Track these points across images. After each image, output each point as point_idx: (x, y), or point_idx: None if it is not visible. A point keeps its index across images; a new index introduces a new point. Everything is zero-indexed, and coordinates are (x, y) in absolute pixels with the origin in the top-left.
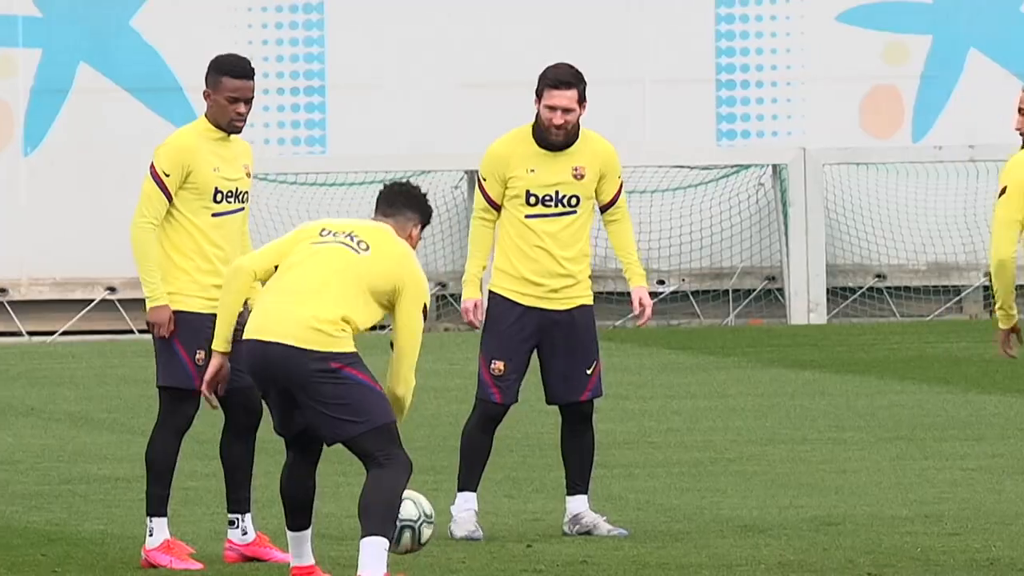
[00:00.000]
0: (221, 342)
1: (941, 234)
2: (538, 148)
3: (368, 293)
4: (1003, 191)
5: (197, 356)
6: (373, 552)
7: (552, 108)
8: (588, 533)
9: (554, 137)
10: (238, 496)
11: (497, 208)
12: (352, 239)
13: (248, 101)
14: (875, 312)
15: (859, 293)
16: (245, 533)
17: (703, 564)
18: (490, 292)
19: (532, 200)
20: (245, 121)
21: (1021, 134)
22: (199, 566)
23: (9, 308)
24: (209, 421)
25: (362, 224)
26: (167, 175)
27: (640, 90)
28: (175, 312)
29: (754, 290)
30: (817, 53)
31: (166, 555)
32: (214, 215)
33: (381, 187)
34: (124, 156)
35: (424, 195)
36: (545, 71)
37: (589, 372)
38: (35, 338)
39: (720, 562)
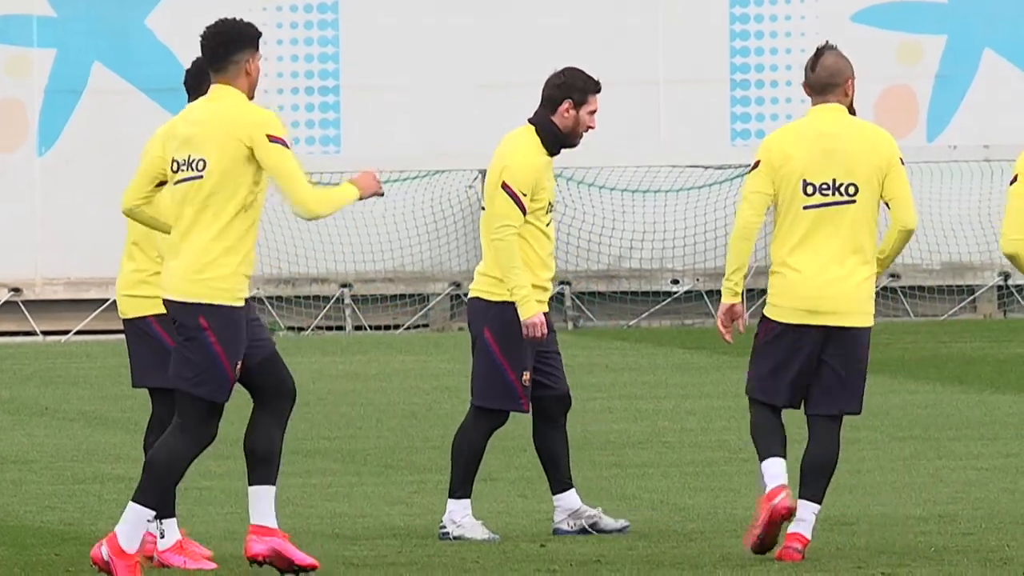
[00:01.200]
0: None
1: (955, 234)
2: (547, 157)
3: (229, 202)
4: (1014, 179)
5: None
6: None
7: (593, 112)
8: (594, 525)
9: (578, 142)
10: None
11: (524, 210)
12: (191, 164)
13: None
14: (889, 311)
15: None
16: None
17: (717, 563)
18: (511, 304)
19: (548, 208)
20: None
21: None
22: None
23: (23, 308)
24: (224, 419)
25: (193, 124)
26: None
27: (655, 90)
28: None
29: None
30: None
31: (179, 556)
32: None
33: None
34: (138, 156)
35: (230, 22)
36: (580, 76)
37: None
38: (49, 338)
39: (734, 562)
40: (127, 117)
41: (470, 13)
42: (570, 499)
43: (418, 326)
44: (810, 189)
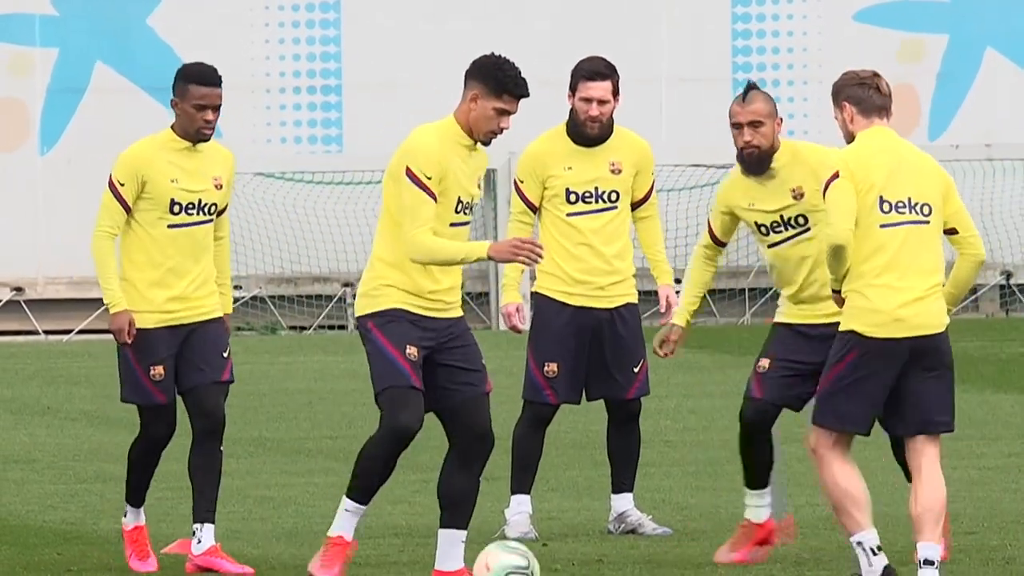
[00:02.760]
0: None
1: None
2: (574, 145)
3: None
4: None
5: (152, 372)
6: None
7: (588, 100)
8: (633, 531)
9: (590, 130)
10: (196, 505)
11: (534, 210)
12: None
13: (216, 108)
14: None
15: None
16: (200, 542)
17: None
18: (537, 294)
19: (572, 198)
20: (213, 129)
21: None
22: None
23: (25, 307)
24: (227, 419)
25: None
26: (122, 184)
27: (657, 89)
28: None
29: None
30: (833, 52)
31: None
32: (170, 226)
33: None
34: None
35: (488, 63)
36: (579, 64)
37: (636, 370)
38: (51, 337)
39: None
40: (129, 116)
41: (471, 13)
42: (617, 502)
43: None
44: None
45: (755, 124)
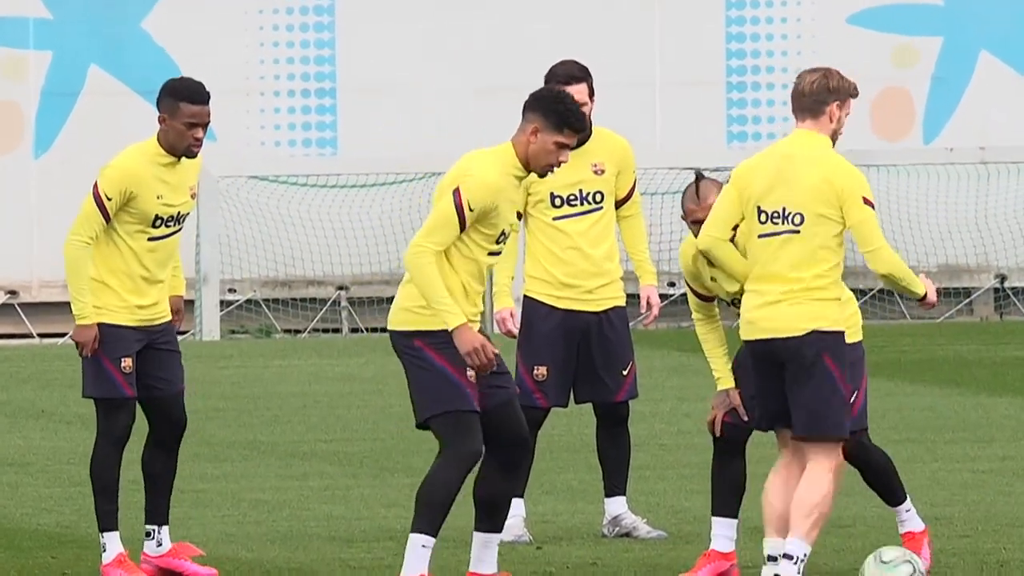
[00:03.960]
0: (455, 319)
1: (952, 236)
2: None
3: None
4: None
5: (123, 364)
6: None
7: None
8: (628, 535)
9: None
10: (157, 507)
11: (518, 216)
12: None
13: (205, 126)
14: (885, 314)
15: (869, 295)
16: (160, 544)
17: None
18: (525, 298)
19: (557, 202)
20: (201, 146)
21: None
22: None
23: (20, 310)
24: (222, 422)
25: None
26: (108, 199)
27: (651, 92)
28: (99, 324)
29: None
30: (827, 55)
31: (118, 569)
32: (150, 239)
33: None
34: None
35: (550, 96)
36: (553, 69)
37: (624, 373)
38: (46, 340)
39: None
40: (123, 119)
41: (466, 16)
42: (610, 505)
43: None
44: None
45: None
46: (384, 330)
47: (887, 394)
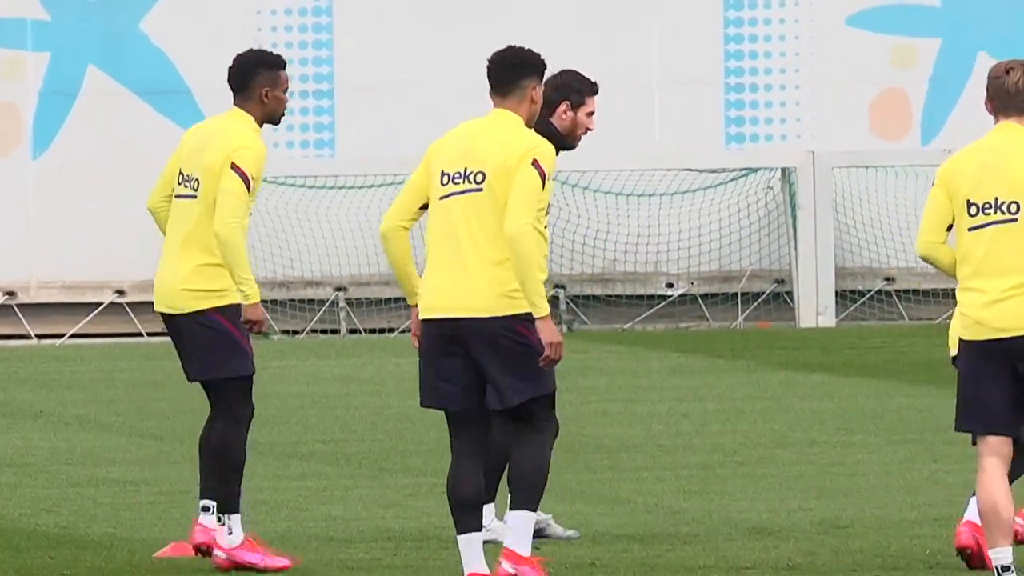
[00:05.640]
0: (408, 297)
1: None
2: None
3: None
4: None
5: (251, 338)
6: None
7: (590, 114)
8: (540, 532)
9: (576, 144)
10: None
11: None
12: (466, 176)
13: None
14: (884, 315)
15: (868, 296)
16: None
17: (712, 567)
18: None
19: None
20: None
21: None
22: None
23: (18, 311)
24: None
25: (474, 139)
26: (255, 179)
27: (648, 93)
28: (229, 306)
29: (763, 293)
30: (825, 56)
31: (253, 553)
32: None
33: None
34: (133, 159)
35: (523, 51)
36: (576, 78)
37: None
38: (44, 341)
39: (729, 565)
40: (122, 120)
41: (464, 16)
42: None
43: None
44: None
45: None
46: (383, 331)
47: (885, 395)
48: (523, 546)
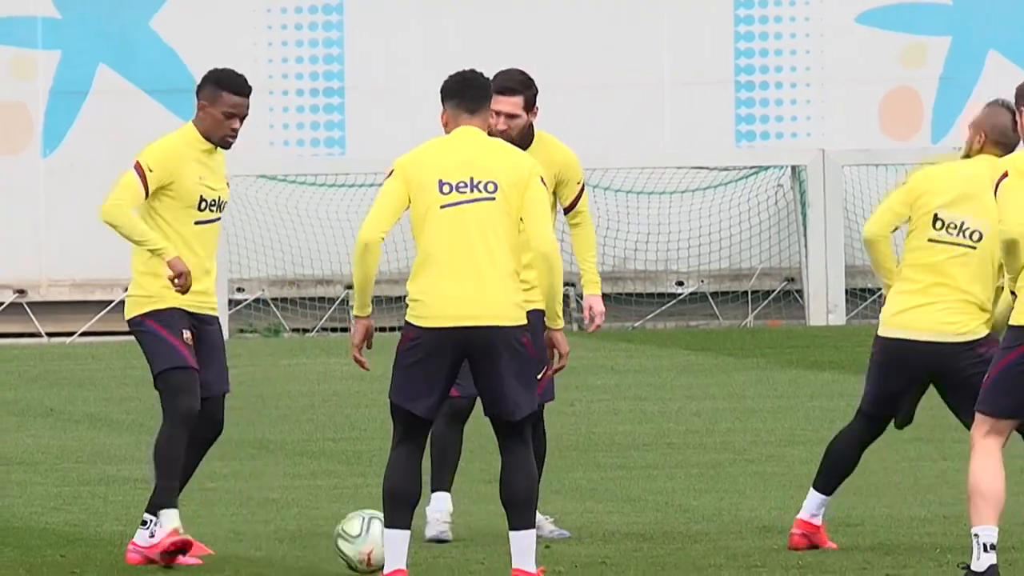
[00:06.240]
0: (361, 308)
1: None
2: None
3: (515, 231)
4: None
5: (185, 336)
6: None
7: (497, 113)
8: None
9: None
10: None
11: None
12: (475, 185)
13: (243, 118)
14: None
15: (878, 294)
16: (152, 536)
17: (722, 565)
18: None
19: None
20: (236, 138)
21: None
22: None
23: (28, 309)
24: (230, 421)
25: (474, 152)
26: (151, 171)
27: (659, 92)
28: (152, 312)
29: (773, 291)
30: (836, 55)
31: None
32: (196, 223)
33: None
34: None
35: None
36: (493, 76)
37: (539, 376)
38: (54, 339)
39: (739, 563)
40: (132, 119)
41: (474, 16)
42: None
43: None
44: None
45: None
46: (393, 329)
47: None
48: (530, 563)
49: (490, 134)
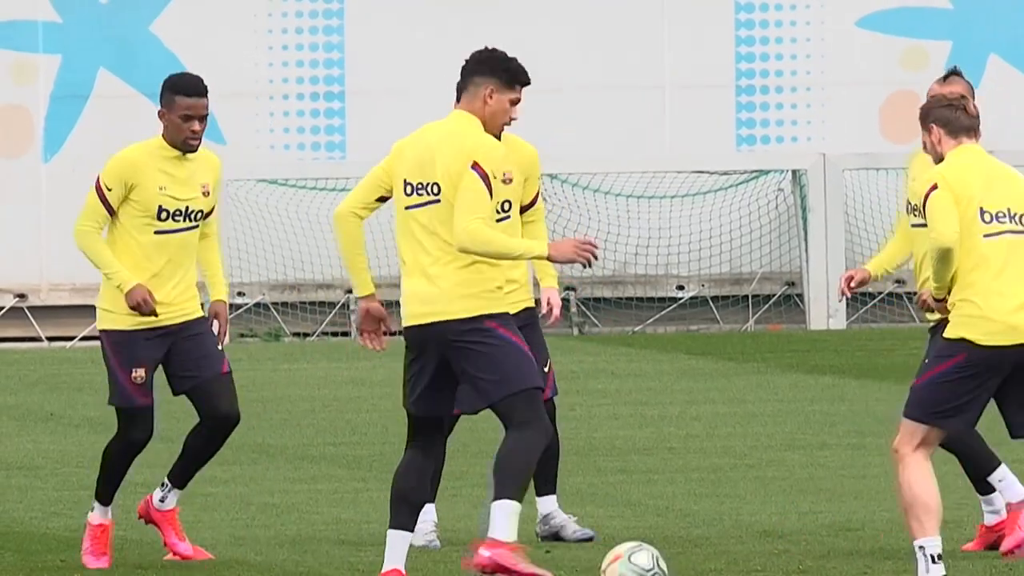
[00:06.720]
0: (362, 289)
1: None
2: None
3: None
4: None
5: (134, 374)
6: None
7: (515, 102)
8: (556, 534)
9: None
10: (182, 471)
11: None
12: (427, 189)
13: (202, 119)
14: (894, 317)
15: (878, 298)
16: (163, 500)
17: (722, 570)
18: None
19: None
20: (200, 139)
21: None
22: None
23: (29, 313)
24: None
25: (430, 147)
26: (109, 189)
27: (660, 96)
28: (112, 331)
29: (773, 295)
30: (836, 59)
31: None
32: (156, 232)
33: None
34: None
35: (493, 53)
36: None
37: (545, 371)
38: (54, 343)
39: (739, 568)
40: (132, 123)
41: (475, 19)
42: (542, 505)
43: None
44: None
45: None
46: (394, 334)
47: (896, 397)
48: (502, 532)
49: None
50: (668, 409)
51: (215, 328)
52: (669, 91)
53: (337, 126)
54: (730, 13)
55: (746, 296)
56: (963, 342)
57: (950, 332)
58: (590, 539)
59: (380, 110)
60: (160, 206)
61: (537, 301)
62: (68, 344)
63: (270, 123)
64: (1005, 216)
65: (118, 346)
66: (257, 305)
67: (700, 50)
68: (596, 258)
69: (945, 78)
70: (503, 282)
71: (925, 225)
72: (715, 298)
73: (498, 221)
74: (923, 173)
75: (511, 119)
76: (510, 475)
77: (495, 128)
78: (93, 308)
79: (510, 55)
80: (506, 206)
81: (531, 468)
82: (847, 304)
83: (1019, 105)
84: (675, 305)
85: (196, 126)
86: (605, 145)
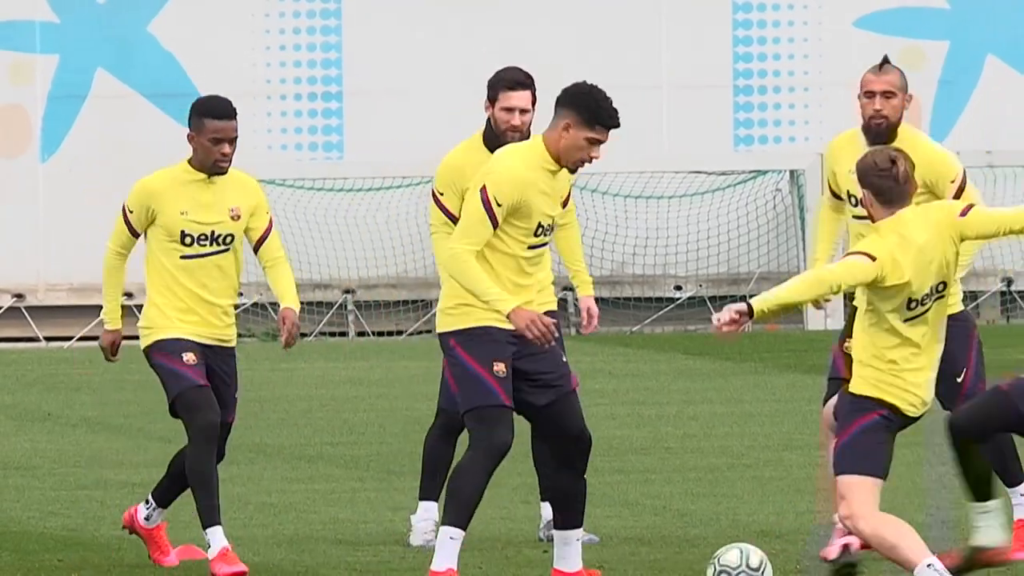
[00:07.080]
0: (506, 304)
1: None
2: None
3: None
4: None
5: (185, 358)
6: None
7: (510, 109)
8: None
9: (511, 140)
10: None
11: (455, 221)
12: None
13: (232, 141)
14: None
15: None
16: (148, 519)
17: None
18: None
19: None
20: (230, 162)
21: None
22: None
23: (26, 313)
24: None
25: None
26: (131, 212)
27: (658, 96)
28: (154, 343)
29: None
30: (834, 59)
31: (220, 563)
32: (183, 257)
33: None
34: (141, 162)
35: (583, 88)
36: (499, 74)
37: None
38: (52, 343)
39: None
40: (130, 123)
41: (473, 19)
42: (547, 509)
43: (421, 332)
44: None
45: (887, 94)
46: (391, 333)
47: None
48: (435, 562)
49: (501, 131)
50: (665, 409)
51: (283, 328)
52: (667, 91)
53: (335, 126)
54: (728, 13)
55: (744, 296)
56: (885, 403)
57: (858, 389)
58: (595, 542)
59: (378, 110)
60: (183, 231)
61: (563, 303)
62: (66, 344)
63: (268, 123)
64: (929, 296)
65: (164, 347)
66: (254, 305)
67: (698, 50)
68: (549, 342)
69: (880, 66)
70: (473, 298)
71: (866, 218)
72: (713, 298)
73: (530, 248)
74: (854, 163)
75: (591, 157)
76: (451, 497)
77: (569, 163)
78: (91, 308)
79: (606, 95)
80: (538, 231)
81: (473, 490)
82: (844, 304)
83: (1016, 105)
84: (673, 305)
85: (226, 148)
86: (603, 146)
